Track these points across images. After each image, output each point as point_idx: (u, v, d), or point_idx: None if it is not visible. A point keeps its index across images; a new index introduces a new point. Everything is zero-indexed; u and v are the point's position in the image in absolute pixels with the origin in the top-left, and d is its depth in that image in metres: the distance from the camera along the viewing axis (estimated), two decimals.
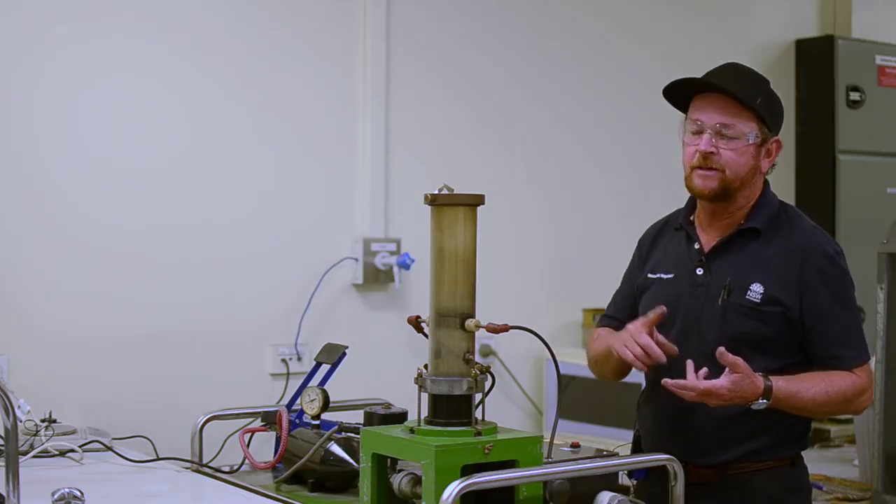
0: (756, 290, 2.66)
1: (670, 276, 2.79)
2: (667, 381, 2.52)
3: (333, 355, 2.95)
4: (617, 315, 2.91)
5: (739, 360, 2.50)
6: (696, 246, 2.76)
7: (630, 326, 2.63)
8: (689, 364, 2.54)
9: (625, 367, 2.77)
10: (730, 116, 2.64)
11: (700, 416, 2.67)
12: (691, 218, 2.81)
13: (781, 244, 2.69)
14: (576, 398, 4.03)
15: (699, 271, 2.73)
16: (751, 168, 2.68)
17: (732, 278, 2.68)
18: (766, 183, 2.78)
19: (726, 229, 2.73)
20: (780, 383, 2.56)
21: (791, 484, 2.73)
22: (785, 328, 2.65)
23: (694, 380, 2.51)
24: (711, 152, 2.64)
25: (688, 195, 2.81)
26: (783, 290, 2.65)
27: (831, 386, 2.61)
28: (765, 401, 2.54)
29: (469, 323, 2.33)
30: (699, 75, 2.75)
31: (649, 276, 2.83)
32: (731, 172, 2.65)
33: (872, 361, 3.15)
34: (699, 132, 2.67)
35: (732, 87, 2.65)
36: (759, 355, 2.63)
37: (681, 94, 2.74)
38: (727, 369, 2.51)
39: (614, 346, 2.64)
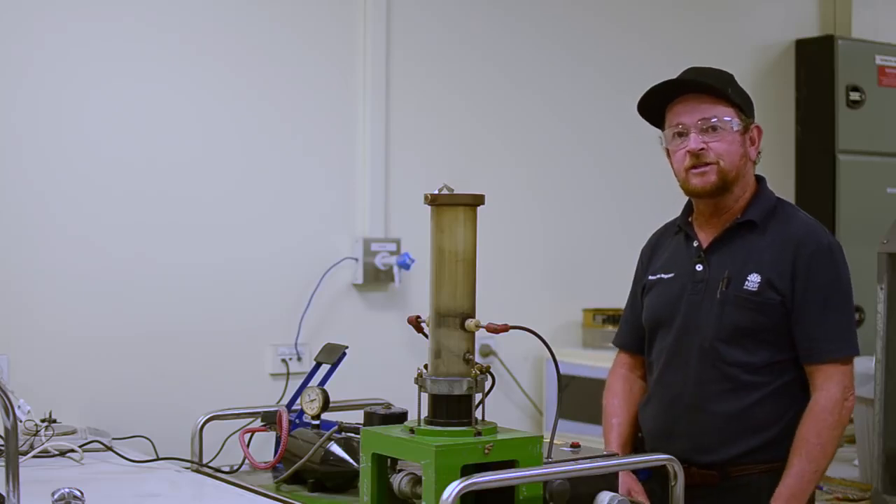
0: (753, 280, 2.66)
1: (671, 275, 2.80)
2: None
3: (333, 355, 2.95)
4: (626, 346, 2.97)
5: None
6: (695, 244, 2.77)
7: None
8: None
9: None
10: (709, 110, 2.68)
11: (700, 415, 2.68)
12: (689, 219, 2.82)
13: (778, 234, 2.70)
14: (576, 398, 4.03)
15: (699, 267, 2.74)
16: (741, 156, 2.71)
17: (730, 270, 2.69)
18: (761, 179, 2.79)
19: (724, 225, 2.74)
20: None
21: None
22: (783, 318, 2.65)
23: None
24: (702, 149, 2.67)
25: (686, 197, 2.82)
26: (779, 279, 2.65)
27: (808, 454, 2.59)
28: None
29: (469, 323, 2.33)
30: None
31: (650, 277, 2.84)
32: (725, 163, 2.68)
33: (872, 361, 3.15)
34: (683, 134, 2.69)
35: (704, 80, 2.70)
36: (759, 347, 2.64)
37: (653, 108, 2.77)
38: None
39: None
